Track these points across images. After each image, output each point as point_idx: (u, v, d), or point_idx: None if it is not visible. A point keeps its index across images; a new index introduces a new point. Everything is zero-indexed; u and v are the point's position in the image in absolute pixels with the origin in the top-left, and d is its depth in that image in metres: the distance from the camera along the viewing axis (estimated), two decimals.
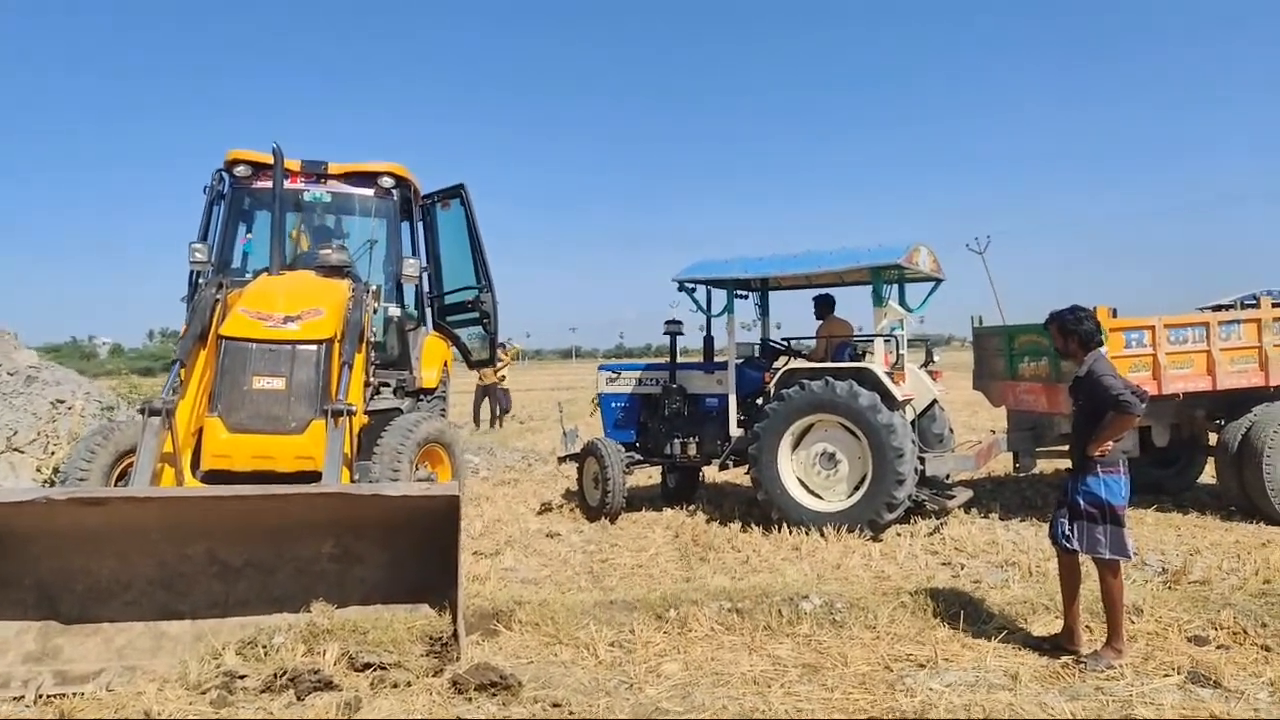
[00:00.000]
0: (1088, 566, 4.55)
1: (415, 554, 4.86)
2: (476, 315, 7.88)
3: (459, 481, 6.33)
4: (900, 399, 7.33)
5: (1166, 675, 4.10)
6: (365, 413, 6.47)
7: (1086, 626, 4.58)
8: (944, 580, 5.80)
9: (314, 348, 5.64)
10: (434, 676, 4.29)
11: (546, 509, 8.89)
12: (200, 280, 6.58)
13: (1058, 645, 4.47)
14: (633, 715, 3.89)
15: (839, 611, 4.97)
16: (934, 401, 8.16)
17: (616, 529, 7.99)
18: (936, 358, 8.31)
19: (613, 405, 9.21)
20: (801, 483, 7.59)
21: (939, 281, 8.26)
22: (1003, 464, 9.81)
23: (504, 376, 17.85)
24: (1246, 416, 7.61)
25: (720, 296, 8.50)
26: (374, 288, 6.50)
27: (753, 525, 7.77)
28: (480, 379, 17.33)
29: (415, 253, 8.04)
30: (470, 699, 4.05)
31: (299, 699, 4.21)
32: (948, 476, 8.06)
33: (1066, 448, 6.86)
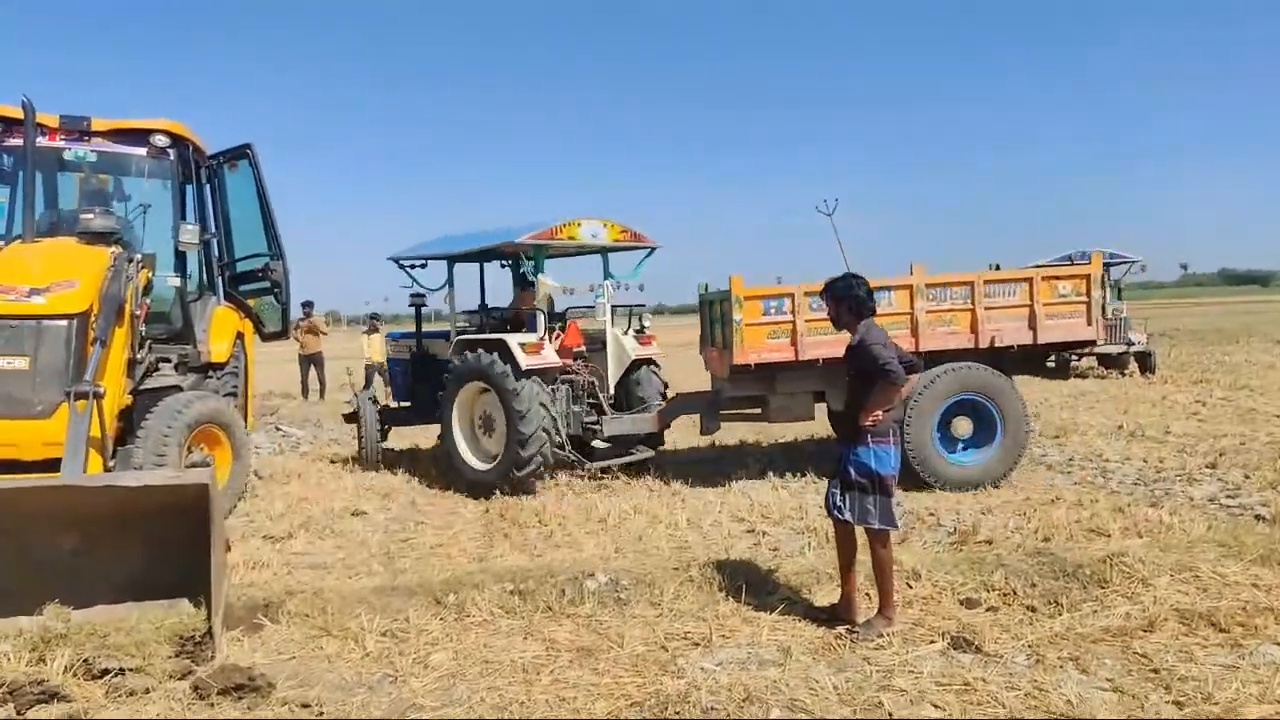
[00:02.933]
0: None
1: (174, 546, 4.42)
2: (268, 284, 7.30)
3: (223, 466, 5.91)
4: (531, 366, 7.75)
5: (932, 642, 4.16)
6: (133, 393, 5.90)
7: (866, 595, 4.63)
8: (742, 550, 5.77)
9: (63, 323, 5.08)
10: (179, 680, 3.92)
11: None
12: None
13: (836, 616, 4.48)
14: (386, 714, 3.64)
15: (624, 589, 4.84)
16: (642, 364, 8.83)
17: (427, 505, 7.66)
18: (648, 322, 8.73)
19: (394, 371, 10.21)
20: (470, 445, 8.25)
21: (651, 249, 8.81)
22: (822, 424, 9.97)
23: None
24: None
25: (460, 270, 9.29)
26: (137, 256, 5.87)
27: (571, 495, 7.63)
28: (302, 348, 16.45)
29: (203, 218, 7.38)
30: (212, 704, 3.71)
31: (19, 714, 3.77)
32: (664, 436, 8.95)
33: (742, 411, 8.24)
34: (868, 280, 4.47)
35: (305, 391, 16.69)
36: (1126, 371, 16.82)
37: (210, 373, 6.95)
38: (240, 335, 7.58)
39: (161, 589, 4.45)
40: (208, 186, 7.39)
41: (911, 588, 4.80)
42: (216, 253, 7.46)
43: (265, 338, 7.86)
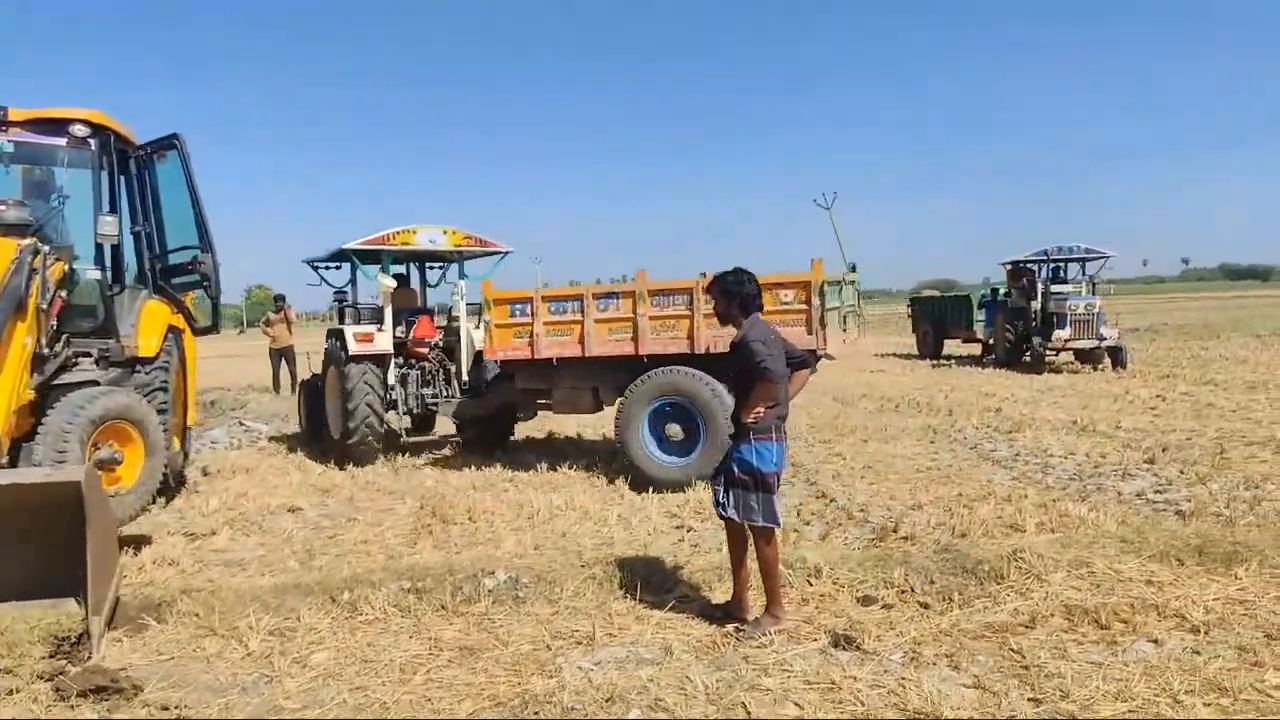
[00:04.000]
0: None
1: (60, 546, 4.39)
2: (198, 278, 7.24)
3: (134, 464, 5.86)
4: (359, 352, 9.26)
5: (815, 640, 4.13)
6: (43, 388, 5.85)
7: (761, 593, 4.59)
8: (663, 546, 5.73)
9: None
10: (46, 681, 3.89)
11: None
12: None
13: (728, 614, 4.45)
14: (246, 716, 3.61)
15: (523, 587, 4.82)
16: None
17: (366, 502, 7.64)
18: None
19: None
20: (334, 418, 9.75)
21: (503, 253, 10.43)
22: None
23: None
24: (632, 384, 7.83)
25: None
26: (45, 249, 5.81)
27: (510, 489, 7.62)
28: (273, 342, 16.40)
29: (133, 210, 7.32)
30: (73, 706, 3.69)
31: None
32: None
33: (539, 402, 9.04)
34: (756, 276, 4.42)
35: (276, 386, 16.64)
36: (1099, 367, 16.78)
37: (138, 367, 6.89)
38: (175, 330, 7.51)
39: (49, 589, 4.42)
40: (137, 178, 7.31)
41: (811, 585, 4.78)
42: (148, 245, 7.39)
43: (196, 332, 7.81)
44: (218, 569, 5.64)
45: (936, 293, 30.12)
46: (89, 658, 4.13)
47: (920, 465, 8.29)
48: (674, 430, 7.65)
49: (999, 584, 4.67)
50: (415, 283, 11.30)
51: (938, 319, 22.31)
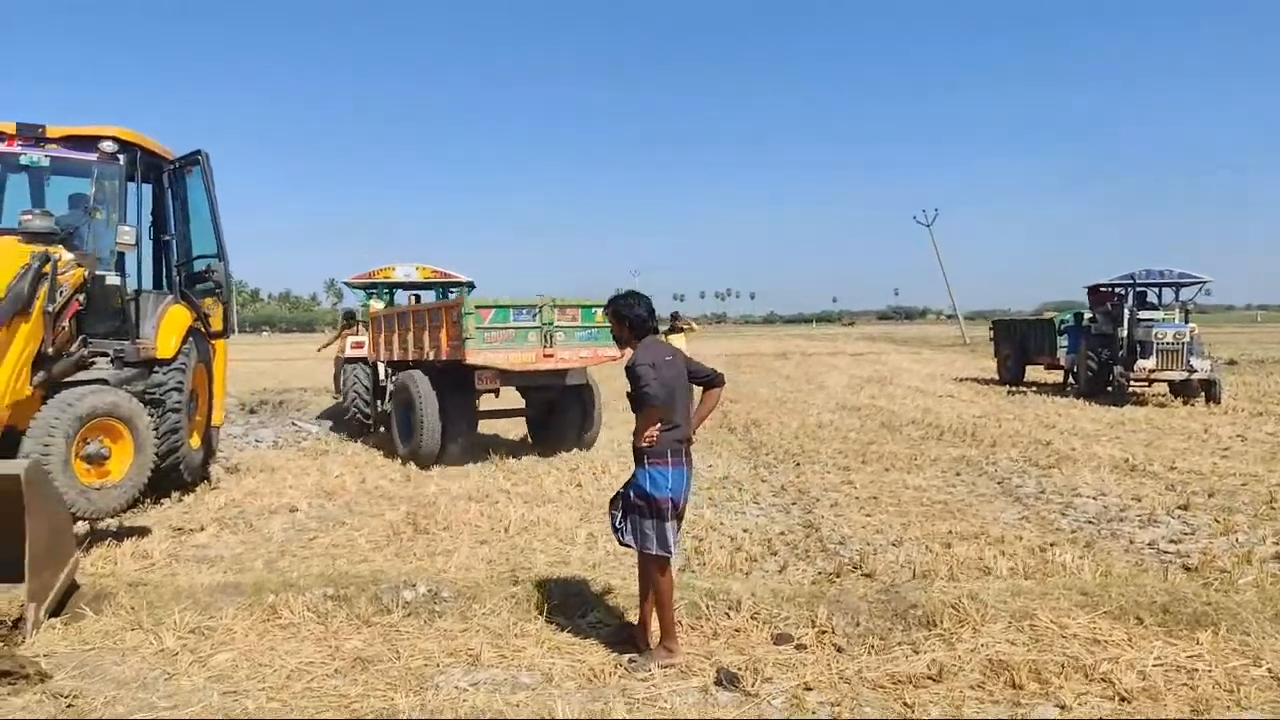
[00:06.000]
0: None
1: (20, 534, 4.66)
2: (213, 285, 7.63)
3: (124, 460, 6.18)
4: (349, 355, 12.74)
5: (700, 677, 3.98)
6: (51, 385, 6.25)
7: (678, 621, 4.46)
8: (614, 568, 5.61)
9: None
10: None
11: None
12: None
13: (632, 640, 4.34)
14: (127, 713, 3.73)
15: (442, 601, 4.83)
16: None
17: (365, 506, 7.82)
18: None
19: None
20: None
21: (463, 283, 13.26)
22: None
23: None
24: None
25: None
26: (60, 256, 6.24)
27: (501, 500, 7.65)
28: (340, 352, 17.02)
29: (161, 220, 7.78)
30: None
31: None
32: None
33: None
34: (649, 299, 4.32)
35: (339, 390, 17.29)
36: (1191, 401, 15.60)
37: (155, 368, 7.28)
38: (198, 333, 7.91)
39: (4, 573, 4.69)
40: (169, 191, 7.76)
41: (730, 618, 4.61)
42: (175, 253, 7.83)
43: (211, 336, 8.19)
44: (187, 564, 5.87)
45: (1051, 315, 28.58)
46: (21, 642, 4.38)
47: (931, 498, 7.89)
48: (403, 416, 10.28)
49: (928, 631, 4.38)
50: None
51: (1020, 344, 21.23)
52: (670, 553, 4.13)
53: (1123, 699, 3.66)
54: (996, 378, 21.79)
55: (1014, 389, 19.50)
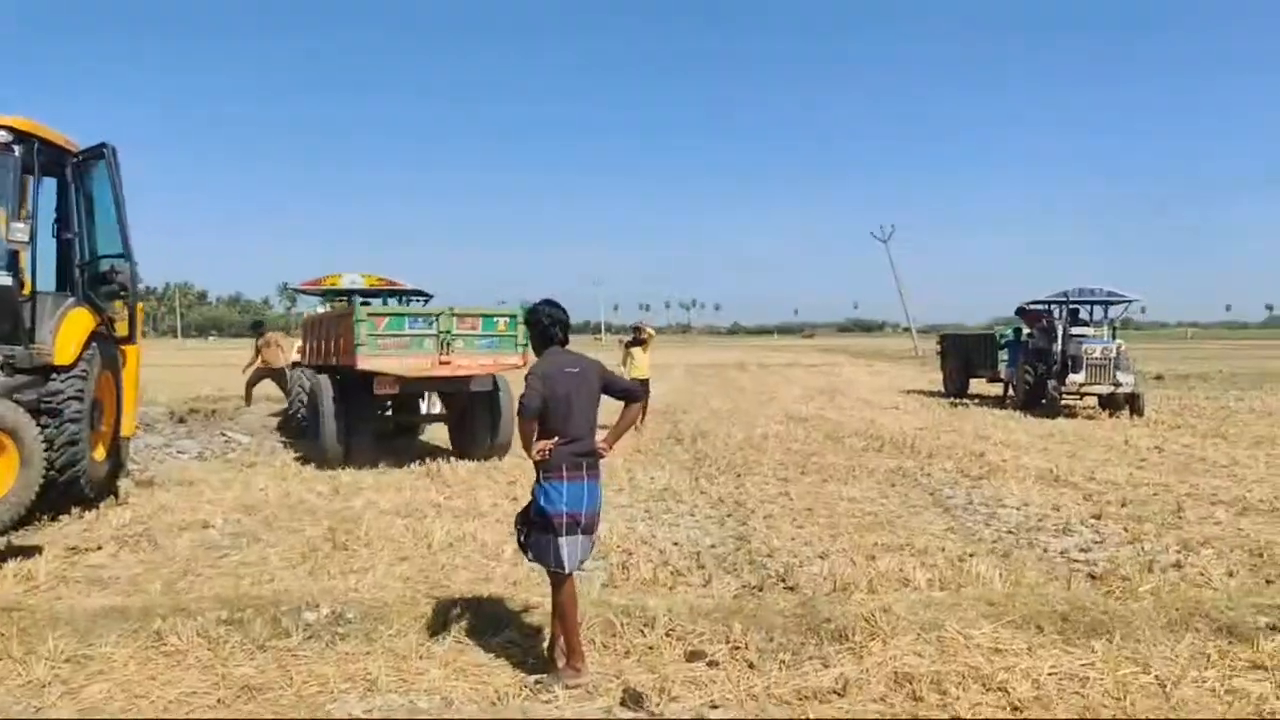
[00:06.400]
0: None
1: None
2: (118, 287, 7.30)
3: (8, 473, 5.86)
4: (298, 360, 13.42)
5: (606, 697, 3.87)
6: None
7: (591, 642, 4.34)
8: (537, 585, 5.46)
9: None
10: None
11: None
12: None
13: (552, 660, 4.22)
14: None
15: (347, 622, 4.65)
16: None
17: (284, 522, 7.53)
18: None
19: None
20: None
21: (405, 291, 13.80)
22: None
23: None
24: None
25: None
26: None
27: (430, 515, 7.44)
28: (262, 363, 16.67)
29: (67, 217, 7.43)
30: None
31: None
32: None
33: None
34: (559, 309, 4.22)
35: (249, 402, 16.87)
36: (1117, 413, 16.00)
37: (52, 375, 6.93)
38: (103, 339, 7.55)
39: None
40: (72, 186, 7.41)
41: (644, 635, 4.51)
42: (78, 253, 7.46)
43: (119, 342, 7.85)
44: (76, 586, 5.55)
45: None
46: None
47: (864, 510, 7.91)
48: (313, 418, 10.97)
49: (839, 645, 4.35)
50: None
51: (964, 357, 21.62)
52: (565, 569, 4.00)
53: (1015, 708, 3.66)
54: (943, 390, 22.14)
55: (957, 401, 19.83)
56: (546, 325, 4.14)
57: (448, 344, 9.70)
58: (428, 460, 10.12)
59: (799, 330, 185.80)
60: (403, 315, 9.92)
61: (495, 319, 9.95)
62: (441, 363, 9.71)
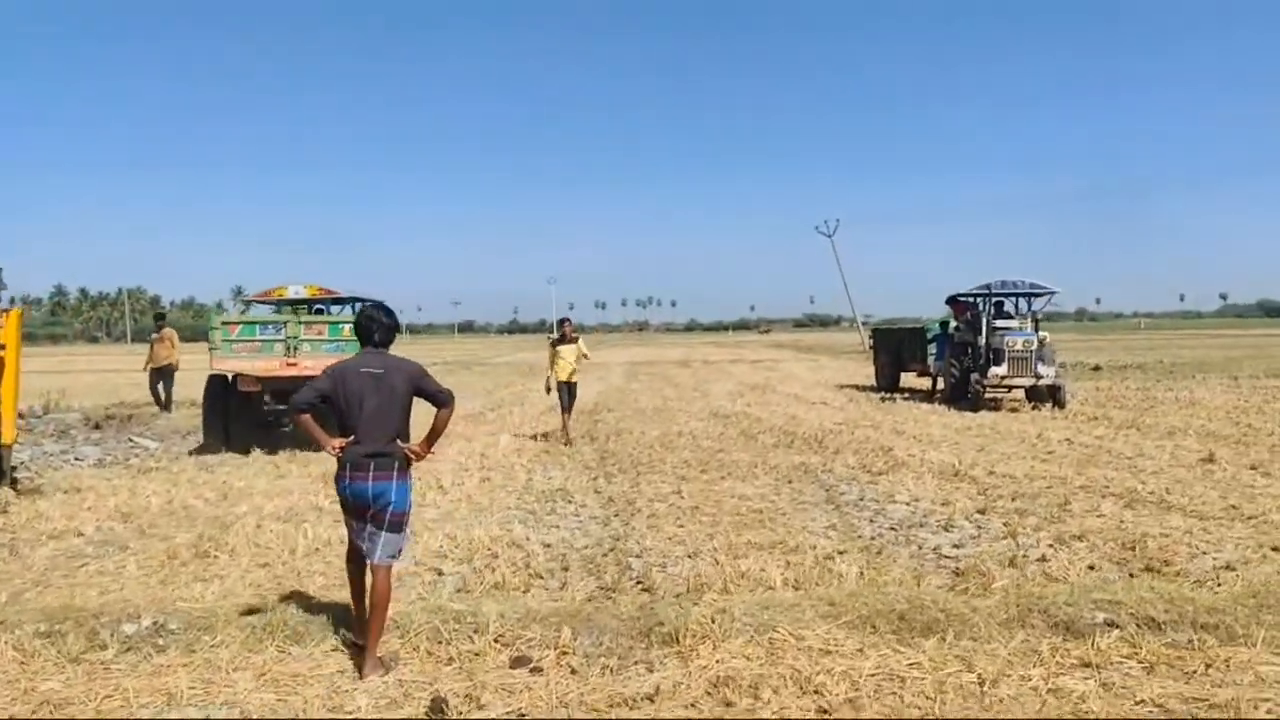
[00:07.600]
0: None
1: None
2: None
3: None
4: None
5: (412, 704, 3.79)
6: None
7: (416, 647, 4.27)
8: (397, 589, 5.38)
9: None
10: None
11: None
12: None
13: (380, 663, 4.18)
14: None
15: (169, 633, 4.52)
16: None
17: (163, 531, 7.30)
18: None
19: None
20: None
21: (347, 299, 13.38)
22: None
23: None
24: None
25: None
26: None
27: (312, 520, 7.30)
28: (151, 361, 16.54)
29: None
30: None
31: None
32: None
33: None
34: (381, 313, 4.32)
35: (159, 404, 16.64)
36: (1039, 406, 16.22)
37: None
38: None
39: None
40: None
41: (472, 641, 4.44)
42: None
43: None
44: None
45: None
46: None
47: (751, 507, 7.90)
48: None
49: (668, 649, 4.30)
50: None
51: (895, 351, 21.79)
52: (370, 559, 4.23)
53: (823, 711, 3.63)
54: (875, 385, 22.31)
55: (886, 396, 19.97)
56: (363, 326, 4.29)
57: (294, 348, 11.10)
58: (328, 465, 9.95)
59: (756, 326, 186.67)
60: (254, 323, 11.25)
61: (341, 325, 11.28)
62: (288, 364, 10.98)
